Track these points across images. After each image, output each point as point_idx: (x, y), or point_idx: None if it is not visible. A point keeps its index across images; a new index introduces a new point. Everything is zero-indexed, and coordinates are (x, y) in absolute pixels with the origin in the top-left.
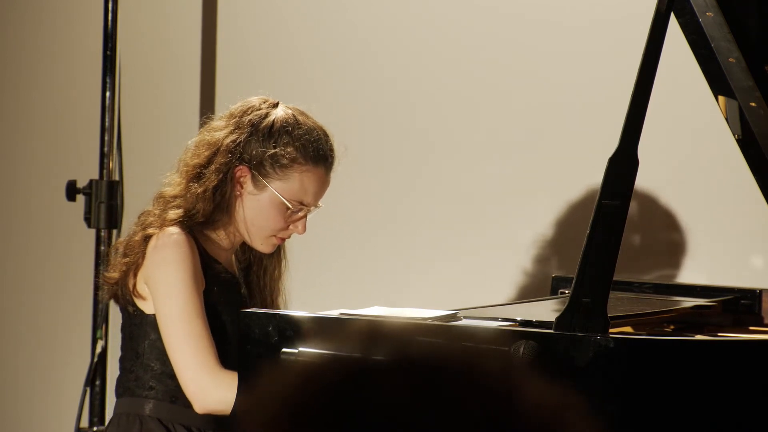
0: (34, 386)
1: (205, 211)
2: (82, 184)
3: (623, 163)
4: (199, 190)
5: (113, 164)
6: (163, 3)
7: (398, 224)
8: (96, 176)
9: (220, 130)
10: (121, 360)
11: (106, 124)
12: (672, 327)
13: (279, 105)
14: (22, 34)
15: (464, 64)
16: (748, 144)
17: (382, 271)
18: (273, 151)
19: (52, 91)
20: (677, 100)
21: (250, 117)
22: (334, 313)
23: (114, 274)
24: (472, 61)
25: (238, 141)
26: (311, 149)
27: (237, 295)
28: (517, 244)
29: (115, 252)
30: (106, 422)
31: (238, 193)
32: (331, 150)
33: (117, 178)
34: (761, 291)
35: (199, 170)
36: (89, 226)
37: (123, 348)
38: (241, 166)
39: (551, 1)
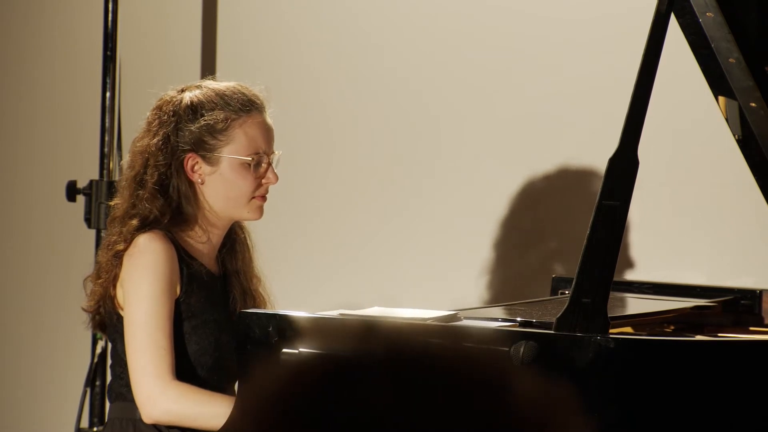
0: (34, 386)
1: (162, 210)
2: (82, 184)
3: (623, 163)
4: (146, 194)
5: (113, 164)
6: (163, 3)
7: (398, 224)
8: (96, 176)
9: (144, 137)
10: (111, 366)
11: (106, 124)
12: (672, 327)
13: (186, 88)
14: (22, 34)
15: (466, 65)
16: (748, 144)
17: (382, 271)
18: (205, 123)
19: (52, 91)
20: (677, 100)
21: (167, 110)
22: (334, 313)
23: (91, 303)
24: (474, 63)
25: (166, 135)
26: (236, 102)
27: (219, 293)
28: (517, 244)
29: (88, 285)
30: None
31: (199, 181)
32: (255, 96)
33: (117, 178)
34: (761, 291)
35: (139, 178)
36: (89, 226)
37: (112, 355)
38: (188, 156)
39: (550, 2)
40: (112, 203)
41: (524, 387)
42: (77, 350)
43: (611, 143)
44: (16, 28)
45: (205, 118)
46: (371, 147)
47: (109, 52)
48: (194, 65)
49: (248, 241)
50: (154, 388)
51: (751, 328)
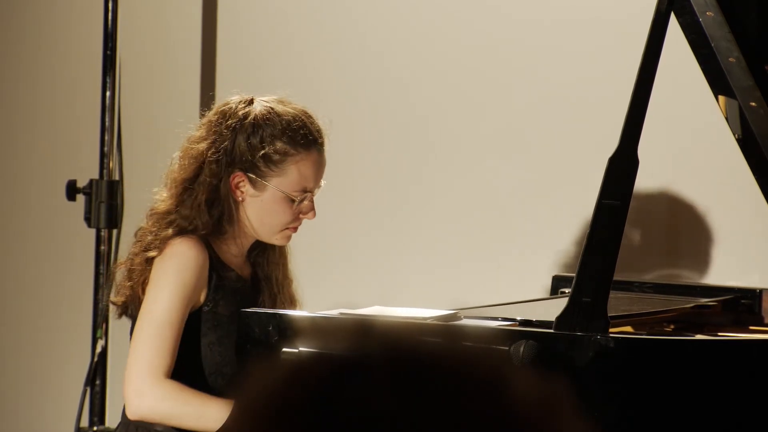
0: (34, 386)
1: (205, 224)
2: (82, 183)
3: (623, 163)
4: (191, 205)
5: (113, 164)
6: (163, 3)
7: (398, 224)
8: (96, 176)
9: (202, 140)
10: None
11: (106, 124)
12: (672, 327)
13: (254, 101)
14: (22, 34)
15: (465, 65)
16: (748, 144)
17: (382, 270)
18: (263, 150)
19: (52, 91)
20: (677, 100)
21: (229, 122)
22: (334, 313)
23: (120, 298)
24: (473, 62)
25: (223, 149)
26: (299, 137)
27: (249, 299)
28: (517, 243)
29: (118, 273)
30: (106, 422)
31: (240, 198)
32: (318, 131)
33: (117, 177)
34: (761, 291)
35: (187, 185)
36: (89, 225)
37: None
38: (236, 173)
39: (551, 1)
40: (156, 194)
41: (524, 386)
42: (77, 350)
43: (611, 143)
44: (16, 28)
45: (264, 144)
46: (372, 147)
47: (109, 52)
48: (194, 65)
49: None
50: (145, 384)
51: (751, 328)
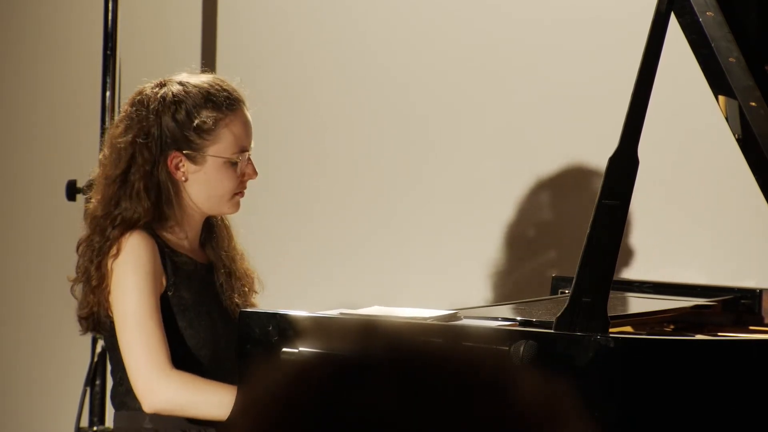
0: (34, 386)
1: (147, 210)
2: (82, 183)
3: (623, 163)
4: (129, 196)
5: None
6: (163, 3)
7: (398, 224)
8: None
9: (127, 132)
10: (112, 372)
11: (106, 123)
12: (672, 327)
13: (166, 82)
14: (22, 34)
15: (464, 64)
16: (748, 144)
17: (382, 271)
18: (192, 123)
19: (52, 91)
20: (677, 100)
21: (150, 107)
22: (334, 312)
23: (86, 310)
24: (473, 61)
25: (152, 134)
26: (222, 99)
27: (208, 281)
28: (517, 243)
29: (77, 290)
30: (106, 422)
31: (183, 179)
32: (234, 90)
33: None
34: (761, 291)
35: (121, 179)
36: None
37: (110, 360)
38: (172, 154)
39: (551, 1)
40: (90, 199)
41: (524, 386)
42: (77, 350)
43: (611, 143)
44: (16, 28)
45: (192, 117)
46: (371, 147)
47: (109, 51)
48: (194, 65)
49: (224, 222)
50: (154, 378)
51: (751, 328)
